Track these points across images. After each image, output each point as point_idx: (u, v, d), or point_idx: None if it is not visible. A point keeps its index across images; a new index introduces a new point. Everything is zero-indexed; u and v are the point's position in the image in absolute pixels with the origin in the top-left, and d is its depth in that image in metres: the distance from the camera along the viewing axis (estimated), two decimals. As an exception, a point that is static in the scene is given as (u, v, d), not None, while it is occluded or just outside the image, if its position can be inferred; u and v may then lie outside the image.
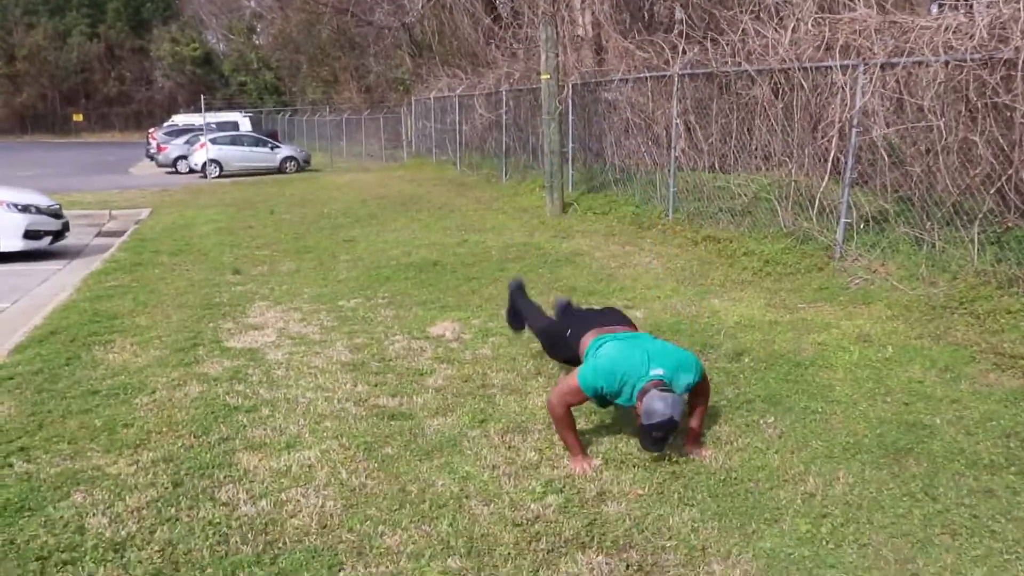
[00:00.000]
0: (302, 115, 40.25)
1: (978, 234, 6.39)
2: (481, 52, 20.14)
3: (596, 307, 5.72)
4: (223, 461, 3.94)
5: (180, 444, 4.11)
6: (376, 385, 5.05)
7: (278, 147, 26.16)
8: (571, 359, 4.51)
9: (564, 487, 3.73)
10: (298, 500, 3.58)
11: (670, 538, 3.32)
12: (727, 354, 5.46)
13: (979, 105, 6.22)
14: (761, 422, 4.43)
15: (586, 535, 3.33)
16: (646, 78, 10.66)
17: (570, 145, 12.78)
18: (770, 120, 8.55)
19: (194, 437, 4.20)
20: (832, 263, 7.55)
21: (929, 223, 6.87)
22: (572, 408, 3.99)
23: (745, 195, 9.22)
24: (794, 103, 8.18)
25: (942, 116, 6.42)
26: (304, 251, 9.74)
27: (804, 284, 7.22)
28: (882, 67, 7.01)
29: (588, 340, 4.33)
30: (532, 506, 3.56)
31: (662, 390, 3.76)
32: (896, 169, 7.15)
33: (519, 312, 5.27)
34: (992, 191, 6.21)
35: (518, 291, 5.30)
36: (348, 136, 30.67)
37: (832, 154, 7.76)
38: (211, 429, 4.31)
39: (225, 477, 3.78)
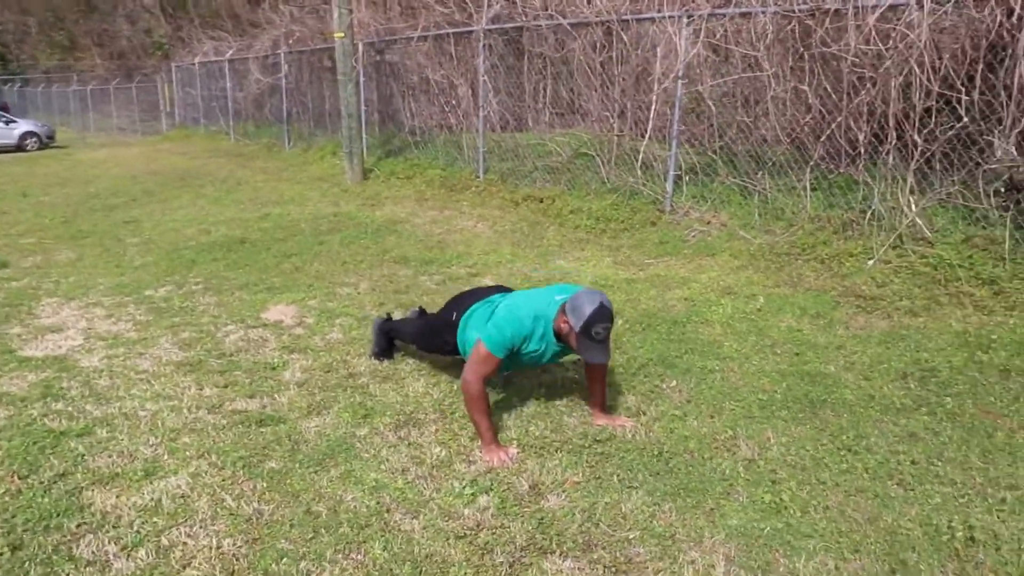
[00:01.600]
0: (36, 86, 35.54)
1: (809, 181, 6.56)
2: (244, 12, 18.56)
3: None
4: (69, 505, 3.07)
5: (3, 491, 3.17)
6: (226, 386, 4.28)
7: (14, 122, 22.79)
8: (456, 347, 4.01)
9: (491, 485, 3.27)
10: (185, 543, 2.84)
11: (630, 528, 2.96)
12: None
13: (807, 55, 6.34)
14: (664, 387, 4.20)
15: (542, 538, 2.90)
16: (448, 35, 10.15)
17: (361, 108, 12.01)
18: (589, 75, 8.37)
19: (19, 479, 3.26)
20: (664, 217, 7.54)
21: (760, 172, 6.99)
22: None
23: (563, 153, 9.04)
24: (614, 57, 8.04)
25: (772, 67, 6.50)
26: (80, 236, 8.36)
27: (643, 239, 7.14)
28: (708, 18, 7.00)
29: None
30: (467, 512, 3.07)
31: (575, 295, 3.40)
32: (724, 120, 7.21)
33: (392, 343, 4.68)
34: (822, 138, 6.38)
35: (384, 324, 4.69)
36: (95, 108, 27.42)
37: (655, 107, 7.72)
38: (39, 465, 3.38)
39: (79, 526, 2.93)
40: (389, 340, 4.69)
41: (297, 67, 14.19)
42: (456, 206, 9.06)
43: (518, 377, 4.24)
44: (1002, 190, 5.35)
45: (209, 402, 4.06)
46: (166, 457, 3.47)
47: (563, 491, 3.21)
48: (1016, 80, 5.23)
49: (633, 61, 7.88)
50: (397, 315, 5.06)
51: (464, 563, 2.74)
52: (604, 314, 3.32)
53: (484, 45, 9.43)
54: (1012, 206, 5.29)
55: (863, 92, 5.97)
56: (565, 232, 7.62)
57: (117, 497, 3.13)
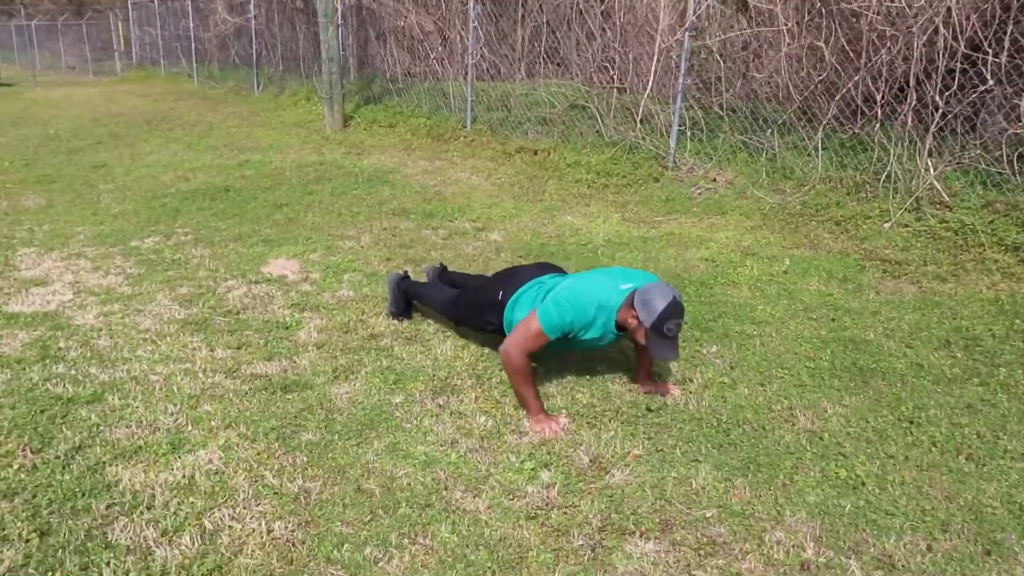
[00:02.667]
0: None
1: (821, 141, 6.41)
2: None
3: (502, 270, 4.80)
4: (94, 483, 2.81)
5: (17, 467, 2.89)
6: (239, 348, 4.02)
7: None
8: (501, 326, 3.78)
9: (550, 458, 3.09)
10: (231, 527, 2.61)
11: (706, 506, 2.82)
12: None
13: (823, 11, 6.14)
14: (704, 352, 4.05)
15: (618, 518, 2.74)
16: (438, -24, 9.72)
17: (341, 53, 11.50)
18: (588, 24, 8.08)
19: (32, 452, 2.98)
20: (667, 173, 7.36)
21: (769, 130, 6.83)
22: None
23: (558, 104, 8.76)
24: (616, 5, 7.75)
25: (787, 22, 6.29)
26: (46, 181, 7.88)
27: (649, 196, 6.96)
28: (723, -33, 6.75)
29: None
30: (530, 489, 2.89)
31: (648, 285, 3.23)
32: (733, 76, 7.01)
33: (410, 302, 4.42)
34: (837, 98, 6.22)
35: (403, 282, 4.42)
36: (41, 45, 26.06)
37: (658, 59, 7.48)
38: (51, 436, 3.10)
39: (110, 508, 2.68)
40: (407, 299, 4.46)
41: (267, 7, 13.56)
42: (446, 156, 8.76)
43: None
44: (1028, 155, 5.26)
45: (224, 365, 3.80)
46: (190, 428, 3.22)
47: (626, 465, 3.05)
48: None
49: (638, 9, 7.60)
50: (411, 272, 4.79)
51: (541, 547, 2.57)
52: (677, 310, 3.14)
53: (474, -11, 9.03)
54: (1037, 171, 5.21)
55: (883, 51, 5.80)
56: (566, 186, 7.40)
57: (145, 474, 2.88)
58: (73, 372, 3.65)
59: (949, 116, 5.58)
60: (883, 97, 5.89)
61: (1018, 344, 4.04)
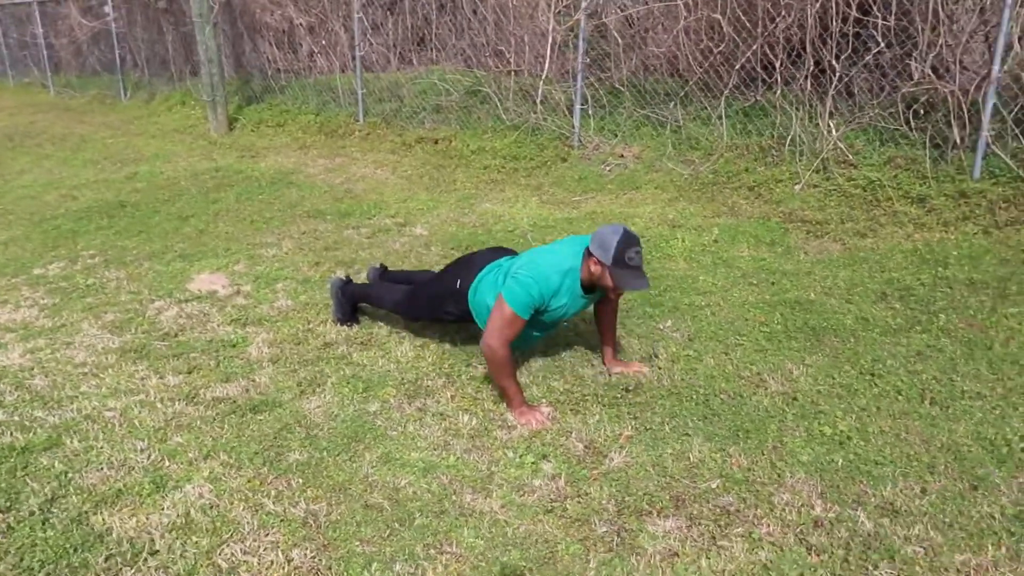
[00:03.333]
0: None
1: (724, 110, 6.62)
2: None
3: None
4: (84, 536, 2.61)
5: (-9, 529, 2.66)
6: (191, 372, 3.82)
7: None
8: (462, 315, 3.75)
9: (546, 450, 3.10)
10: (247, 561, 2.49)
11: (709, 478, 2.89)
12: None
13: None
14: (661, 327, 4.14)
15: (632, 500, 2.77)
16: (316, -33, 9.43)
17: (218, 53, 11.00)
18: (479, 7, 8.04)
19: (1, 512, 2.74)
20: (573, 152, 7.44)
21: (672, 103, 7.00)
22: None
23: (454, 91, 8.70)
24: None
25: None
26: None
27: (561, 176, 7.01)
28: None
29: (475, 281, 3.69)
30: (538, 483, 2.89)
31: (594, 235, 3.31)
32: (632, 51, 7.13)
33: (356, 306, 4.33)
34: (737, 67, 6.43)
35: (347, 287, 4.32)
36: None
37: (552, 39, 7.53)
38: (18, 491, 2.86)
39: (109, 560, 2.50)
40: (353, 303, 4.35)
41: (127, 9, 12.80)
42: (345, 152, 8.56)
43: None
44: (921, 112, 5.59)
45: (181, 392, 3.61)
46: (167, 463, 3.04)
47: (620, 447, 3.08)
48: (930, 5, 5.43)
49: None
50: (351, 275, 4.66)
51: (567, 539, 2.57)
52: (631, 239, 3.22)
53: (356, -21, 8.82)
54: (930, 127, 5.54)
55: (778, 19, 6.03)
56: (475, 173, 7.36)
57: (134, 518, 2.71)
58: (17, 418, 3.38)
59: (846, 79, 5.85)
60: (781, 64, 6.13)
61: (946, 291, 4.30)
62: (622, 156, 7.19)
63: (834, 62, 5.83)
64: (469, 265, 3.75)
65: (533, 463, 2.99)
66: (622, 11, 6.88)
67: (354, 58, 9.22)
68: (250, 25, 10.67)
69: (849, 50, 5.79)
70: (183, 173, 8.08)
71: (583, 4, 7.03)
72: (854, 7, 5.62)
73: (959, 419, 3.18)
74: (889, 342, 3.82)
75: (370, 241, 5.70)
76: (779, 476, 2.88)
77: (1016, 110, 5.26)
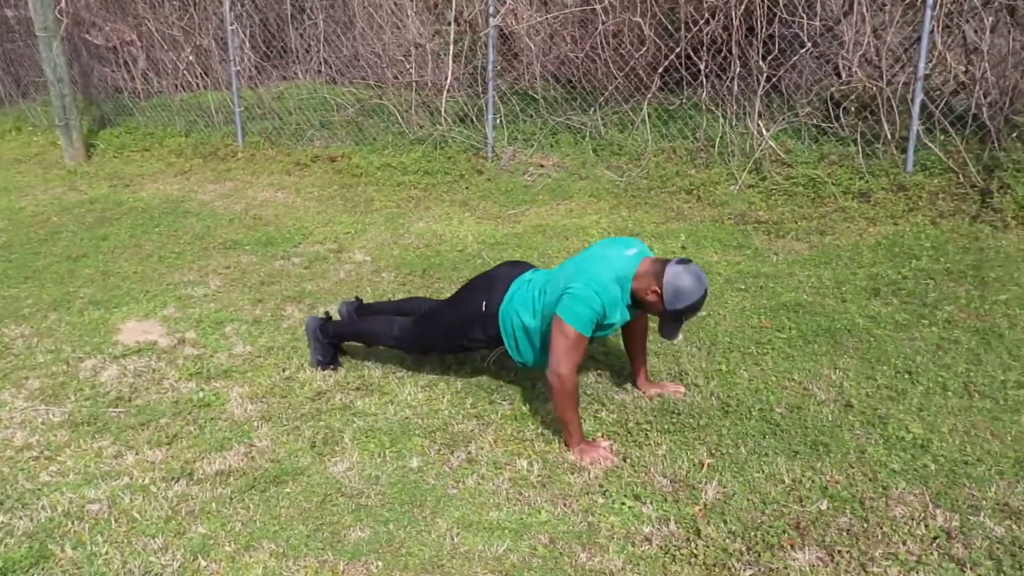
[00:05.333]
0: None
1: (648, 115, 6.58)
2: None
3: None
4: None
5: None
6: (171, 443, 3.28)
7: None
8: (491, 340, 3.42)
9: (633, 491, 2.86)
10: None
11: (816, 499, 2.74)
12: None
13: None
14: (672, 343, 3.97)
15: (756, 535, 2.58)
16: (179, -24, 8.64)
17: (67, 71, 9.88)
18: (374, 17, 7.63)
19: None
20: (487, 164, 7.18)
21: (592, 109, 6.89)
22: None
23: (348, 106, 8.22)
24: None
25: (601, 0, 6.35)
26: None
27: (485, 190, 6.74)
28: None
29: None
30: (649, 530, 2.64)
31: (679, 261, 3.05)
32: (547, 58, 6.97)
33: (338, 348, 3.89)
34: (660, 70, 6.40)
35: (326, 326, 3.86)
36: None
37: (454, 48, 7.26)
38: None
39: None
40: (335, 344, 3.91)
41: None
42: (232, 176, 7.87)
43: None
44: (851, 109, 5.75)
45: (171, 469, 3.08)
46: (202, 562, 2.55)
47: (706, 478, 2.87)
48: (855, 6, 5.60)
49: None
50: (322, 313, 4.19)
51: (717, 589, 2.32)
52: (702, 303, 3.04)
53: (228, -12, 8.15)
54: (860, 123, 5.71)
55: (701, 22, 6.04)
56: (390, 191, 6.95)
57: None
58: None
59: (774, 79, 5.94)
60: (707, 66, 6.14)
61: (930, 283, 4.39)
62: (542, 166, 7.00)
63: (761, 63, 5.89)
64: (490, 285, 3.43)
65: (630, 508, 2.72)
66: (535, 15, 6.69)
67: (230, 74, 8.51)
68: (97, 40, 9.66)
69: (776, 51, 5.87)
70: (50, 208, 7.14)
71: (490, 10, 6.79)
72: (780, 8, 5.70)
73: (1016, 410, 3.19)
74: (905, 338, 3.83)
75: (309, 272, 5.20)
76: (884, 489, 2.77)
77: (942, 105, 5.49)
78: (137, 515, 2.79)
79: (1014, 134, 5.33)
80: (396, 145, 7.82)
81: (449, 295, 3.91)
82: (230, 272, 5.27)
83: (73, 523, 2.76)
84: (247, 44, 8.38)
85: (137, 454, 3.20)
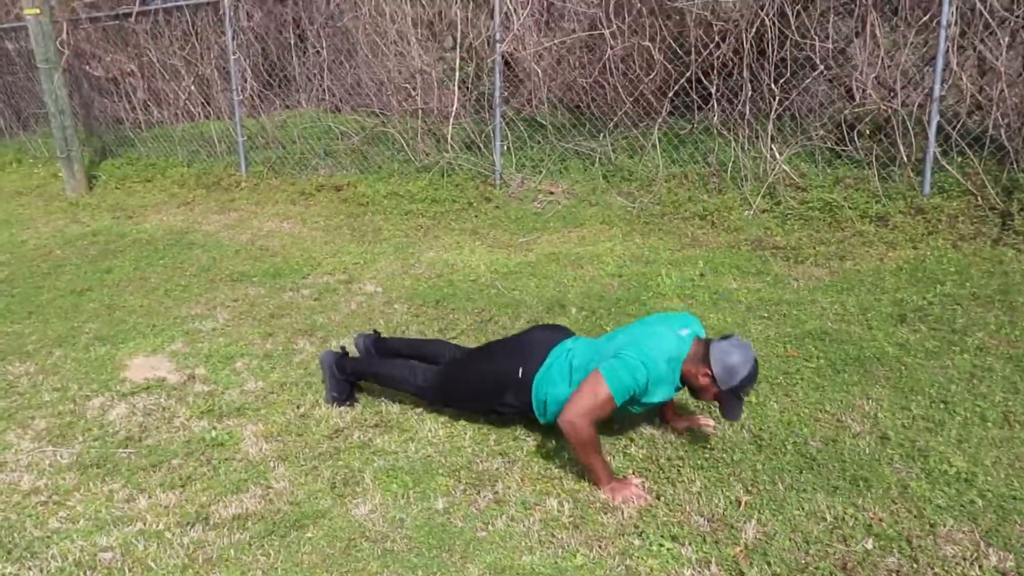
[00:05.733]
0: None
1: (659, 139, 6.52)
2: None
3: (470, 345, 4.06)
4: None
5: None
6: (185, 485, 3.16)
7: None
8: (522, 408, 3.30)
9: (670, 531, 2.74)
10: None
11: (861, 538, 2.62)
12: (541, 311, 4.71)
13: (645, 10, 6.24)
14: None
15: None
16: (183, 7, 8.62)
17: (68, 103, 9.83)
18: (378, 44, 7.58)
19: None
20: (496, 192, 7.11)
21: (601, 135, 6.83)
22: None
23: (353, 134, 8.17)
24: (412, 20, 7.34)
25: (610, 24, 6.30)
26: None
27: (495, 218, 6.66)
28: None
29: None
30: (690, 573, 2.50)
31: (722, 338, 3.01)
32: (555, 84, 6.91)
33: (354, 384, 3.80)
34: (670, 95, 6.35)
35: (343, 361, 3.76)
36: None
37: (457, 76, 7.21)
38: None
39: None
40: (351, 381, 3.80)
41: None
42: (236, 207, 7.80)
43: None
44: (866, 132, 5.69)
45: (185, 513, 2.96)
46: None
47: (744, 516, 2.76)
48: (867, 28, 5.55)
49: (435, 26, 7.25)
50: (340, 347, 4.09)
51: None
52: (756, 374, 2.97)
53: (231, 17, 8.12)
54: (875, 146, 5.64)
55: (711, 45, 5.99)
56: (398, 220, 6.87)
57: None
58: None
59: (787, 102, 5.88)
60: (718, 90, 6.08)
61: (957, 308, 4.30)
62: (551, 192, 6.93)
63: (773, 86, 5.83)
64: (529, 350, 3.31)
65: (669, 551, 2.61)
66: (541, 39, 6.64)
67: (232, 103, 8.46)
68: (96, 69, 9.63)
69: (788, 74, 5.81)
70: (52, 240, 7.05)
71: (496, 35, 6.75)
72: (792, 30, 5.65)
73: (1053, 440, 3.08)
74: (937, 366, 3.73)
75: (320, 304, 5.10)
76: (931, 527, 2.65)
77: (958, 127, 5.43)
78: (152, 564, 2.67)
79: (1033, 155, 5.26)
80: (402, 173, 7.76)
81: (475, 344, 3.83)
82: (238, 305, 5.17)
83: (85, 573, 2.64)
84: (249, 73, 8.33)
85: (150, 497, 3.08)
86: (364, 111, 8.10)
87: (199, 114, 9.43)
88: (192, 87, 8.96)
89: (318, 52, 8.11)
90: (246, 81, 8.45)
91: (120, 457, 3.39)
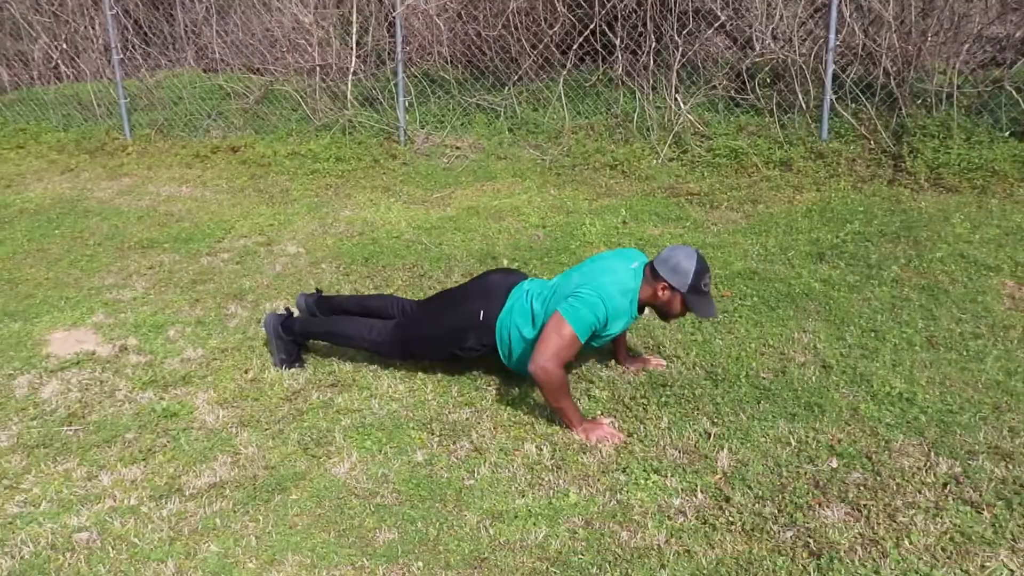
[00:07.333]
0: None
1: (563, 92, 6.60)
2: None
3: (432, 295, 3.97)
4: None
5: None
6: (146, 458, 3.06)
7: None
8: (484, 349, 3.35)
9: (652, 466, 2.87)
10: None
11: (827, 457, 2.83)
12: (473, 263, 4.75)
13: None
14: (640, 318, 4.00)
15: (784, 497, 2.64)
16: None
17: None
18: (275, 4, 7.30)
19: None
20: (401, 148, 7.05)
21: (506, 88, 6.85)
22: None
23: (247, 94, 7.86)
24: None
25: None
26: None
27: (405, 175, 6.61)
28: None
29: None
30: (679, 502, 2.67)
31: (657, 256, 3.16)
32: (457, 38, 6.86)
33: (301, 345, 3.73)
34: (574, 47, 6.42)
35: (289, 322, 3.68)
36: None
37: (357, 29, 7.07)
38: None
39: None
40: (298, 342, 3.74)
41: None
42: (126, 172, 7.39)
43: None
44: (767, 80, 5.95)
45: (156, 487, 2.88)
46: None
47: (715, 446, 2.92)
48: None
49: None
50: (283, 309, 3.99)
51: (770, 554, 2.37)
52: (706, 264, 3.13)
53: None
54: (775, 94, 5.92)
55: (615, -1, 6.10)
56: (305, 180, 6.71)
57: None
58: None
59: (689, 53, 6.06)
60: (622, 41, 6.20)
61: (869, 244, 4.62)
62: (458, 147, 6.92)
63: (676, 37, 6.00)
64: (487, 293, 3.36)
65: (655, 482, 2.73)
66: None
67: (109, 62, 7.97)
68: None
69: (691, 25, 5.99)
70: (-76, 214, 6.48)
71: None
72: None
73: (979, 359, 3.40)
74: (860, 299, 4.00)
75: (243, 268, 4.95)
76: (885, 443, 2.89)
77: (851, 74, 5.76)
78: (136, 540, 2.58)
79: (919, 100, 5.64)
80: (300, 132, 7.56)
81: (424, 296, 3.82)
82: (155, 273, 4.95)
83: (64, 555, 2.52)
84: (129, 30, 7.85)
85: (112, 474, 2.96)
86: (252, 70, 7.79)
87: (68, 75, 8.81)
88: (63, 45, 8.35)
89: (207, 7, 7.71)
90: (127, 40, 7.95)
91: (67, 435, 3.23)
